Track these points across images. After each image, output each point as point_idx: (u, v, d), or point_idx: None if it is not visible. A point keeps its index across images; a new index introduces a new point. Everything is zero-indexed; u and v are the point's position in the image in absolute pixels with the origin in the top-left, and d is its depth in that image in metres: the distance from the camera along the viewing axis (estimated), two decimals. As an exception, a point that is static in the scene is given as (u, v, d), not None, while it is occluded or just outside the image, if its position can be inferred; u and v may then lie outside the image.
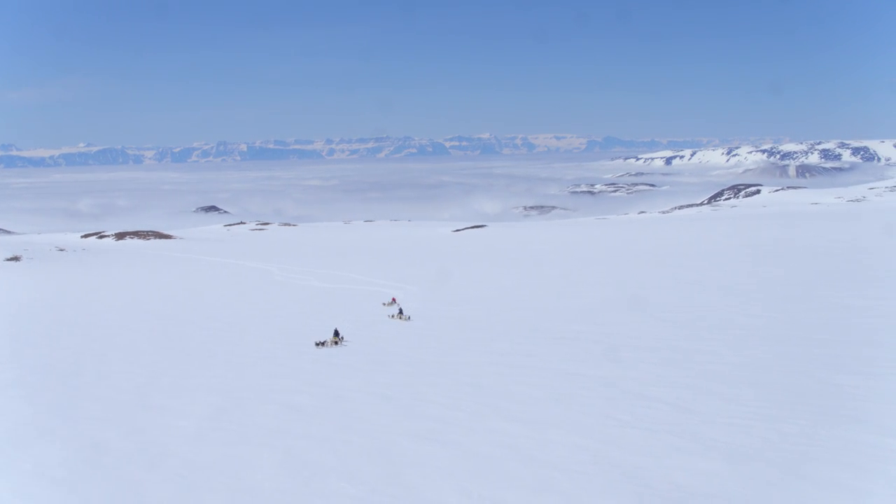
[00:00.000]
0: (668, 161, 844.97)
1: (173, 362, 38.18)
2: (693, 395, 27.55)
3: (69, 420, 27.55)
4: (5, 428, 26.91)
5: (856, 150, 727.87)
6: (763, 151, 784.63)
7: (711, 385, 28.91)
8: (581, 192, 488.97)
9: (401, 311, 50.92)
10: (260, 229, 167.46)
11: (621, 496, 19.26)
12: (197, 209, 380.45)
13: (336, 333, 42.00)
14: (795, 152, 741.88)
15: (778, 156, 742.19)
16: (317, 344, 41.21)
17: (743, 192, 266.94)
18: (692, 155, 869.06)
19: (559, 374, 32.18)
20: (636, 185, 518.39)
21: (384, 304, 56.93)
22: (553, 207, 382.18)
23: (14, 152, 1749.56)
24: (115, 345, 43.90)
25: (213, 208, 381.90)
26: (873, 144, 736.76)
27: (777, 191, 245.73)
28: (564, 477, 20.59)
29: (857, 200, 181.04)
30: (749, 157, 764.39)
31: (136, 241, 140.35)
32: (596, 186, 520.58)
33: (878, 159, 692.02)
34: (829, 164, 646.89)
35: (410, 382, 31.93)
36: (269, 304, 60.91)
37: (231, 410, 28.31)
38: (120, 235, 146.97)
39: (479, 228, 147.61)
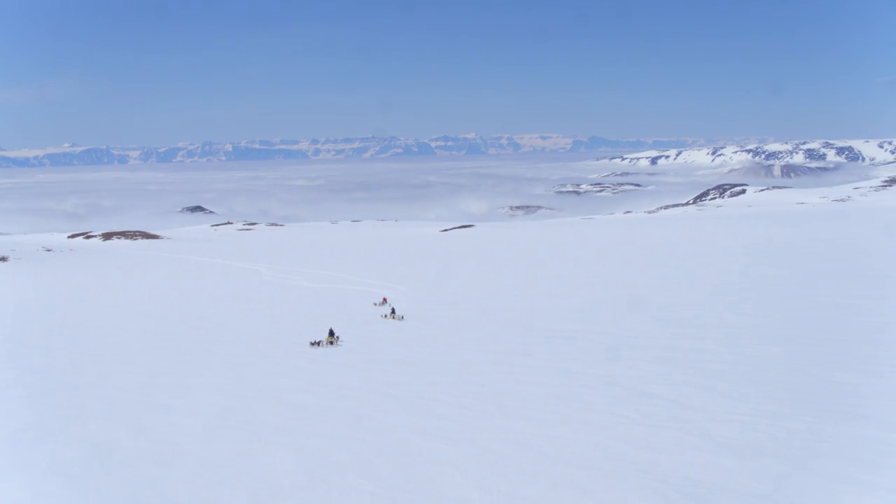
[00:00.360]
0: (654, 161, 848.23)
1: (171, 362, 38.16)
2: (695, 393, 27.84)
3: (76, 419, 27.56)
4: (15, 427, 26.92)
5: (840, 150, 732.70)
6: (748, 151, 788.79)
7: (711, 383, 29.20)
8: (567, 191, 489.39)
9: (393, 311, 51.01)
10: (247, 229, 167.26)
11: (640, 492, 19.49)
12: (182, 209, 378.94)
13: (331, 333, 42.02)
14: (780, 152, 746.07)
15: (763, 156, 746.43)
16: (312, 343, 41.23)
17: (728, 192, 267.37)
18: (677, 155, 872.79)
19: (559, 373, 32.39)
20: (622, 184, 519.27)
21: (375, 304, 57.02)
22: (539, 207, 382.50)
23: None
24: (111, 345, 43.82)
25: (198, 208, 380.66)
26: (858, 144, 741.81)
27: (762, 190, 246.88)
28: (580, 473, 20.79)
29: (843, 200, 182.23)
30: (734, 157, 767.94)
31: (124, 242, 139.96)
32: (581, 186, 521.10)
33: (863, 159, 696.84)
34: (813, 164, 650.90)
35: (412, 381, 32.07)
36: (259, 305, 60.86)
37: (237, 409, 28.41)
38: (107, 236, 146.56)
39: (467, 228, 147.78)
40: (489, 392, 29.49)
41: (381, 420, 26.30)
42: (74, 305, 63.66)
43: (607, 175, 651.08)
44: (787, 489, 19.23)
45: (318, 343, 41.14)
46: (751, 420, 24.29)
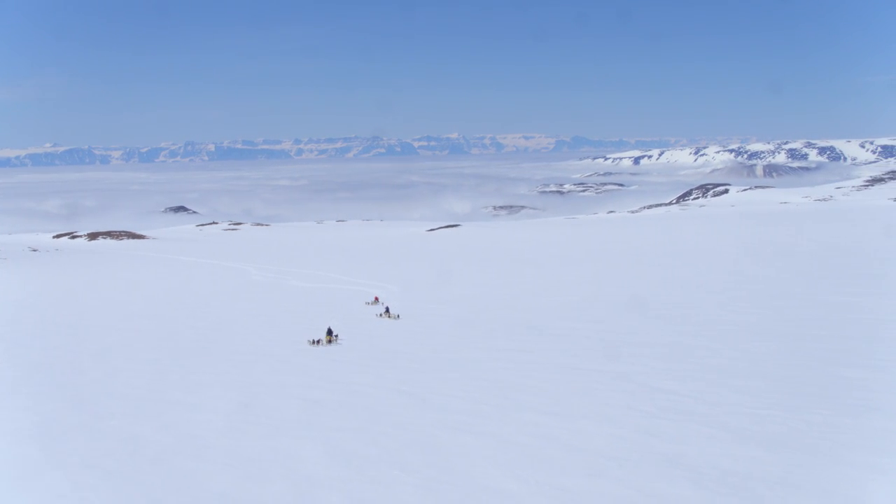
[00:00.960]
0: (637, 161, 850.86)
1: (175, 360, 38.18)
2: (706, 388, 28.25)
3: (95, 416, 27.59)
4: (35, 422, 27.00)
5: (822, 150, 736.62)
6: (730, 151, 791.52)
7: (719, 378, 29.67)
8: (550, 191, 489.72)
9: (387, 310, 51.33)
10: (233, 229, 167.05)
11: (677, 481, 19.74)
12: (166, 209, 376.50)
13: (329, 332, 42.10)
14: (762, 152, 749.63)
15: (745, 155, 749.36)
16: (311, 342, 41.36)
17: (711, 192, 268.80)
18: (660, 155, 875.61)
19: (565, 369, 32.71)
20: (605, 184, 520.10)
21: (367, 303, 57.26)
22: (522, 207, 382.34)
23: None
24: (109, 344, 43.68)
25: (181, 208, 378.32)
26: (839, 144, 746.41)
27: (745, 190, 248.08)
28: (612, 464, 21.00)
29: (825, 200, 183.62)
30: (717, 157, 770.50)
31: (109, 242, 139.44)
32: (565, 186, 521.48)
33: (845, 159, 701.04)
34: (796, 164, 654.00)
35: (421, 378, 32.28)
36: (251, 304, 60.82)
37: (253, 405, 28.56)
38: (93, 236, 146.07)
39: (454, 228, 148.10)
40: (500, 388, 29.75)
41: (400, 415, 26.49)
42: (67, 305, 63.35)
43: (590, 175, 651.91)
44: (823, 479, 19.54)
45: (318, 341, 41.27)
46: (767, 413, 24.67)
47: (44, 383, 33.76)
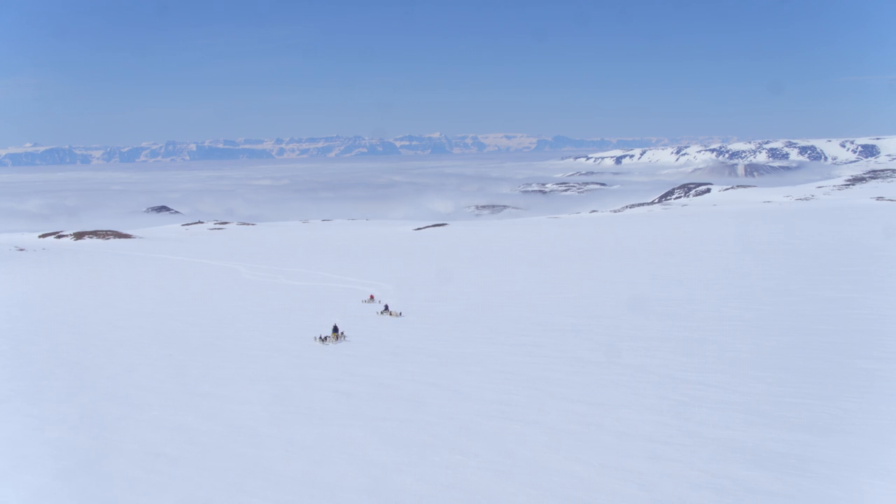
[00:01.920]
0: (618, 160, 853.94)
1: (189, 356, 38.20)
2: (730, 379, 28.46)
3: (134, 407, 27.67)
4: (77, 413, 27.03)
5: (803, 150, 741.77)
6: (712, 150, 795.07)
7: (740, 369, 29.96)
8: (532, 191, 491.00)
9: (387, 307, 51.50)
10: (219, 229, 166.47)
11: (740, 463, 19.95)
12: (148, 209, 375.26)
13: (336, 329, 42.13)
14: (744, 151, 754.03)
15: (727, 155, 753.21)
16: (320, 339, 41.33)
17: (693, 191, 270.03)
18: (642, 154, 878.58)
19: (583, 363, 32.92)
20: (587, 184, 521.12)
21: (363, 301, 57.37)
22: (505, 206, 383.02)
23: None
24: (116, 341, 43.59)
25: (164, 208, 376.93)
26: (820, 144, 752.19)
27: (727, 189, 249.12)
28: (668, 448, 21.21)
29: (807, 199, 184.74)
30: (698, 157, 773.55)
31: (96, 241, 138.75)
32: (547, 186, 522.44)
33: (825, 158, 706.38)
34: (777, 163, 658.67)
35: (444, 372, 32.29)
36: (247, 302, 60.66)
37: (287, 397, 28.60)
38: (79, 235, 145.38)
39: (441, 227, 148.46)
40: (526, 380, 29.89)
41: (438, 405, 26.58)
42: (63, 304, 62.88)
43: (572, 174, 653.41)
44: (877, 460, 19.84)
45: (325, 338, 41.30)
46: (801, 402, 24.97)
47: (66, 378, 33.65)
